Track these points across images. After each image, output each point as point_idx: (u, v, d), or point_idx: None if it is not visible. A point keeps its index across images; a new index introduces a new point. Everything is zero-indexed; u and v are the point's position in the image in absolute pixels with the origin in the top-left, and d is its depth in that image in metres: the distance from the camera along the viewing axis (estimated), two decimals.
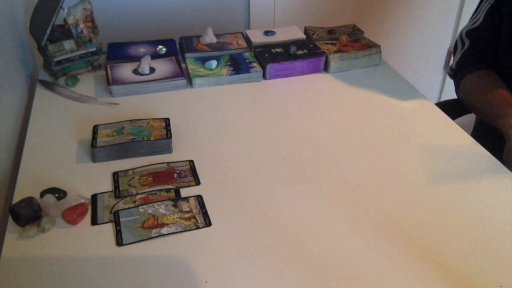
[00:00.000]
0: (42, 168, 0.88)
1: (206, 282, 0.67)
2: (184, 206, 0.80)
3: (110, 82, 1.12)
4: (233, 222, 0.78)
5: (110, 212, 0.79)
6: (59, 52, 1.15)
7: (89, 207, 0.80)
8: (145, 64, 1.17)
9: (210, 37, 1.31)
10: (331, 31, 1.37)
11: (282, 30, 1.37)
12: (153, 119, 0.99)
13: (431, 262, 0.71)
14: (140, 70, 1.17)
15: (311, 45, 1.28)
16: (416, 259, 0.71)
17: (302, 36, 1.35)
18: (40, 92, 1.13)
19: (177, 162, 0.91)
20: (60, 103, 1.09)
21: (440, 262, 0.71)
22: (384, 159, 0.93)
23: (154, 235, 0.74)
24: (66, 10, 1.13)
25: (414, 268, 0.70)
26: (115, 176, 0.87)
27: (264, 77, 1.21)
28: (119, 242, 0.73)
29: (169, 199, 0.82)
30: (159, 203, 0.81)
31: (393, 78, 1.23)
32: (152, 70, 1.18)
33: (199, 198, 0.82)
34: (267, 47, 1.28)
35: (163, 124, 0.98)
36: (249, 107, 1.10)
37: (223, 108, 1.09)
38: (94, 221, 0.77)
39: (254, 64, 1.21)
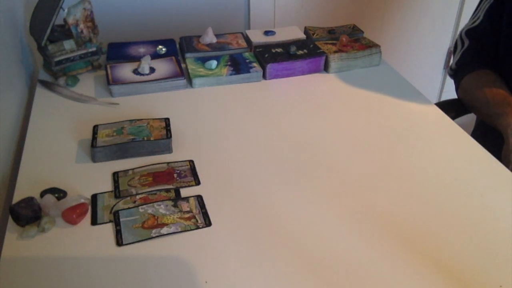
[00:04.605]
0: (42, 168, 0.88)
1: (206, 282, 0.67)
2: (184, 206, 0.80)
3: (110, 82, 1.12)
4: (233, 222, 0.78)
5: (110, 212, 0.79)
6: (59, 52, 1.15)
7: (89, 207, 0.80)
8: (145, 64, 1.17)
9: (210, 37, 1.31)
10: (331, 31, 1.37)
11: (282, 30, 1.37)
12: (153, 119, 0.99)
13: (430, 262, 0.71)
14: (140, 70, 1.17)
15: (311, 45, 1.28)
16: (416, 259, 0.71)
17: (302, 36, 1.35)
18: (40, 92, 1.13)
19: (177, 162, 0.91)
20: (60, 103, 1.09)
21: (440, 262, 0.71)
22: (384, 159, 0.93)
23: (154, 235, 0.74)
24: (66, 10, 1.13)
25: (414, 268, 0.70)
26: (115, 176, 0.87)
27: (264, 77, 1.21)
28: (119, 242, 0.73)
29: (169, 199, 0.82)
30: (159, 203, 0.81)
31: (393, 78, 1.23)
32: (152, 70, 1.18)
33: (199, 198, 0.82)
34: (267, 47, 1.28)
35: (163, 124, 0.98)
36: (249, 107, 1.10)
37: (223, 108, 1.09)
38: (94, 221, 0.77)
39: (254, 64, 1.21)
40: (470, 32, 1.21)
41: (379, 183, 0.87)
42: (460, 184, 0.87)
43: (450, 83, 1.32)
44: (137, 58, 1.22)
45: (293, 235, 0.76)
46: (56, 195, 0.81)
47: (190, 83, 1.17)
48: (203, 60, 1.22)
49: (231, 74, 1.18)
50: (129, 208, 0.80)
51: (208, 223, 0.77)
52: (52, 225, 0.76)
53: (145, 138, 0.93)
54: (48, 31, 1.11)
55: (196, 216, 0.78)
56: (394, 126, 1.03)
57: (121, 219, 0.77)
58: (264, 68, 1.20)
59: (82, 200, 0.80)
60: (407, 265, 0.71)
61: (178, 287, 0.67)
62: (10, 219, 0.76)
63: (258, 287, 0.67)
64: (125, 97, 1.12)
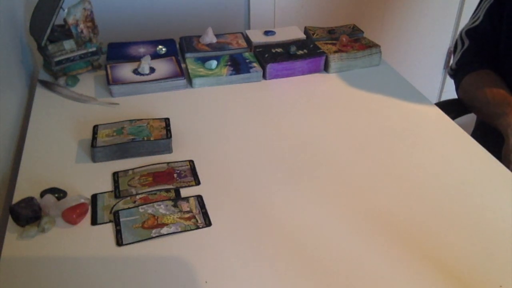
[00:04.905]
0: (42, 168, 0.88)
1: (206, 282, 0.67)
2: (184, 206, 0.80)
3: (110, 82, 1.12)
4: (233, 222, 0.78)
5: (110, 212, 0.79)
6: (59, 52, 1.15)
7: (89, 207, 0.80)
8: (145, 64, 1.17)
9: (210, 37, 1.31)
10: (331, 31, 1.37)
11: (282, 30, 1.37)
12: (153, 119, 0.99)
13: (430, 262, 0.71)
14: (140, 70, 1.17)
15: (311, 45, 1.28)
16: (416, 259, 0.71)
17: (302, 36, 1.35)
18: (40, 92, 1.13)
19: (177, 162, 0.91)
20: (60, 103, 1.09)
21: (440, 262, 0.71)
22: (384, 159, 0.93)
23: (154, 235, 0.74)
24: (66, 10, 1.13)
25: (414, 268, 0.70)
26: (115, 176, 0.87)
27: (264, 77, 1.21)
28: (119, 242, 0.73)
29: (169, 199, 0.82)
30: (159, 203, 0.81)
31: (393, 78, 1.23)
32: (152, 70, 1.18)
33: (199, 198, 0.82)
34: (267, 47, 1.28)
35: (163, 124, 0.98)
36: (249, 107, 1.10)
37: (223, 108, 1.09)
38: (94, 221, 0.77)
39: (254, 64, 1.21)
40: (470, 32, 1.21)
41: (379, 183, 0.87)
42: (460, 184, 0.87)
43: (450, 83, 1.32)
44: (137, 58, 1.22)
45: (293, 235, 0.76)
46: (56, 195, 0.81)
47: (190, 83, 1.17)
48: (203, 60, 1.22)
49: (231, 74, 1.18)
50: (129, 208, 0.80)
51: (208, 223, 0.77)
52: (52, 225, 0.76)
53: (145, 138, 0.93)
54: (48, 31, 1.11)
55: (196, 216, 0.78)
56: (394, 126, 1.03)
57: (121, 219, 0.77)
58: (264, 68, 1.20)
59: (82, 200, 0.80)
60: (407, 265, 0.71)
61: (178, 287, 0.67)
62: (10, 219, 0.76)
63: (258, 287, 0.67)
64: (125, 97, 1.12)
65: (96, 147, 0.90)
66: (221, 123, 1.03)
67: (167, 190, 0.84)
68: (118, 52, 1.26)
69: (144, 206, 0.80)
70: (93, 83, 1.17)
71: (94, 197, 0.82)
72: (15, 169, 0.93)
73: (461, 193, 0.85)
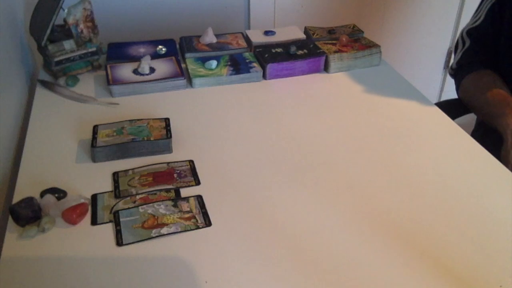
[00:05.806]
0: (42, 168, 0.88)
1: (206, 282, 0.67)
2: (184, 206, 0.80)
3: (110, 82, 1.12)
4: (233, 222, 0.78)
5: (110, 212, 0.79)
6: (59, 52, 1.15)
7: (89, 207, 0.80)
8: (145, 64, 1.17)
9: (210, 37, 1.31)
10: (331, 31, 1.37)
11: (282, 30, 1.37)
12: (153, 119, 0.99)
13: (430, 262, 0.71)
14: (140, 70, 1.17)
15: (311, 45, 1.28)
16: (416, 259, 0.71)
17: (302, 36, 1.35)
18: (40, 92, 1.13)
19: (177, 162, 0.91)
20: (60, 103, 1.09)
21: (440, 262, 0.71)
22: (384, 159, 0.93)
23: (154, 235, 0.74)
24: (66, 10, 1.13)
25: (414, 268, 0.70)
26: (115, 176, 0.87)
27: (264, 77, 1.21)
28: (119, 242, 0.73)
29: (169, 199, 0.82)
30: (159, 203, 0.81)
31: (393, 78, 1.23)
32: (152, 70, 1.18)
33: (199, 198, 0.82)
34: (267, 47, 1.28)
35: (163, 124, 0.98)
36: (249, 107, 1.10)
37: (223, 108, 1.09)
38: (94, 221, 0.77)
39: (254, 64, 1.21)
40: (471, 32, 1.21)
41: (378, 182, 0.87)
42: (460, 184, 0.87)
43: (450, 83, 1.32)
44: (137, 58, 1.22)
45: (293, 235, 0.75)
46: (56, 195, 0.81)
47: (190, 83, 1.17)
48: (203, 60, 1.22)
49: (231, 74, 1.18)
50: (129, 208, 0.80)
51: (208, 223, 0.77)
52: (52, 225, 0.76)
53: (145, 138, 0.93)
54: (48, 31, 1.11)
55: (196, 216, 0.78)
56: (394, 126, 1.03)
57: (121, 219, 0.77)
58: (264, 68, 1.20)
59: (82, 200, 0.80)
60: (407, 265, 0.71)
61: (178, 287, 0.67)
62: (10, 219, 0.76)
63: (258, 287, 0.67)
64: (125, 97, 1.12)
65: (96, 147, 0.90)
66: (221, 123, 1.03)
67: (167, 190, 0.84)
68: (118, 52, 1.26)
69: (144, 206, 0.80)
70: (93, 83, 1.17)
71: (94, 197, 0.82)
72: (15, 169, 0.93)
73: (461, 193, 0.85)
